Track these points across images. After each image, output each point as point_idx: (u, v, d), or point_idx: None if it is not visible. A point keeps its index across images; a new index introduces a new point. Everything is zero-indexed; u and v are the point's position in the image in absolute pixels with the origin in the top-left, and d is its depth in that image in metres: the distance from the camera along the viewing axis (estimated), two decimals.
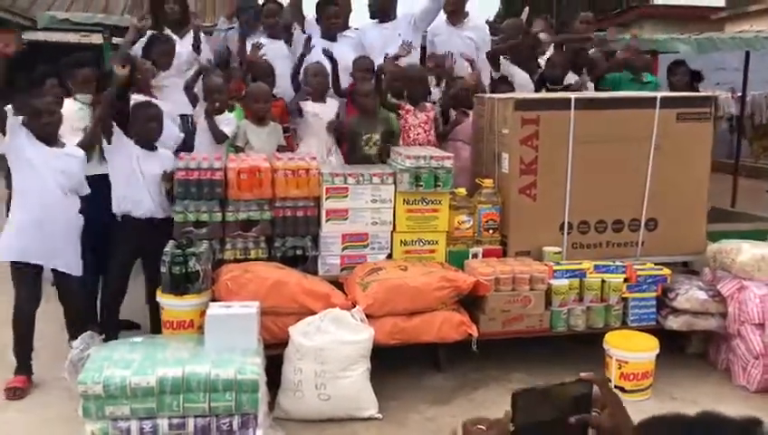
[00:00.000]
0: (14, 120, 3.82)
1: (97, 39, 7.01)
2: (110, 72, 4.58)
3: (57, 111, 4.06)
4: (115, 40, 6.15)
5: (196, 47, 5.32)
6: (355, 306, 3.93)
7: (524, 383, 4.20)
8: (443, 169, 4.36)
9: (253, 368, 3.39)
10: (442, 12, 5.80)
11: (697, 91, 7.41)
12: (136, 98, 4.60)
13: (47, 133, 3.98)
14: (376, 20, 5.81)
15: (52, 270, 4.11)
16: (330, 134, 4.83)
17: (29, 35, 10.14)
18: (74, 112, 4.54)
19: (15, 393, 3.96)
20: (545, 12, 11.79)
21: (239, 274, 3.91)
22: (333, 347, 3.69)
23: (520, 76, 5.63)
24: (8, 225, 4.00)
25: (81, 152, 4.11)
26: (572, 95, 4.58)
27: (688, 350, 4.66)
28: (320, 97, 4.84)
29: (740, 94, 12.39)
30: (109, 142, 4.20)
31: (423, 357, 4.38)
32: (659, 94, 4.61)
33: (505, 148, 4.53)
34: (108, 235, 4.35)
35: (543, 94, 5.11)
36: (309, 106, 4.81)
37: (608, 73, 5.81)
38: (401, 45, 5.28)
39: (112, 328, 4.29)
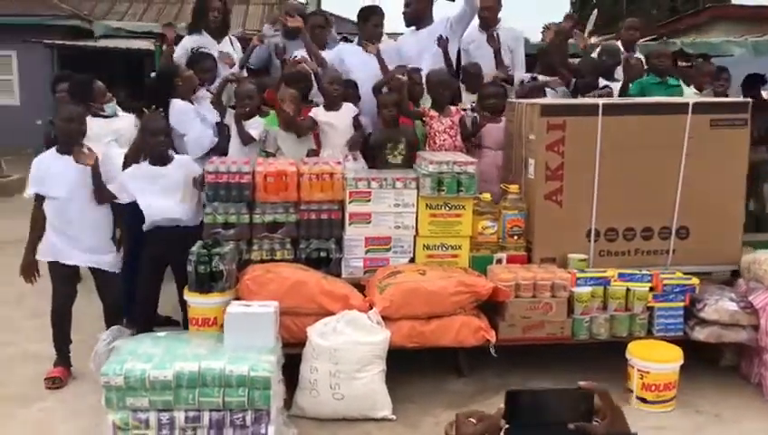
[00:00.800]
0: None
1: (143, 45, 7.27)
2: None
3: (74, 120, 4.21)
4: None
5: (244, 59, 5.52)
6: (372, 308, 4.00)
7: None
8: (465, 174, 4.38)
9: (266, 365, 3.50)
10: (476, 18, 5.82)
11: (760, 96, 7.21)
12: (175, 103, 4.82)
13: (62, 142, 4.20)
14: (412, 27, 5.86)
15: (89, 267, 4.34)
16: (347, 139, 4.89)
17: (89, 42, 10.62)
18: (101, 128, 4.83)
19: (54, 383, 4.21)
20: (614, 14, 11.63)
21: (261, 273, 4.04)
22: (348, 348, 3.77)
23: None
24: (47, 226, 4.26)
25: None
26: (600, 101, 4.52)
27: (721, 363, 4.53)
28: (333, 105, 4.91)
29: None
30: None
31: (445, 362, 4.42)
32: (692, 100, 4.50)
33: (532, 153, 4.51)
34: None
35: (570, 100, 5.05)
36: (321, 115, 4.88)
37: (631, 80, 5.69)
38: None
39: (147, 326, 4.47)
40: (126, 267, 4.54)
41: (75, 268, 4.31)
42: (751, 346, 4.27)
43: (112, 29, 6.61)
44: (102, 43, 9.76)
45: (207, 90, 5.23)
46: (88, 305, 4.57)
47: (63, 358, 4.33)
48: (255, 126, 4.79)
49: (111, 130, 4.93)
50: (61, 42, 13.23)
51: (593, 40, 7.42)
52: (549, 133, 4.38)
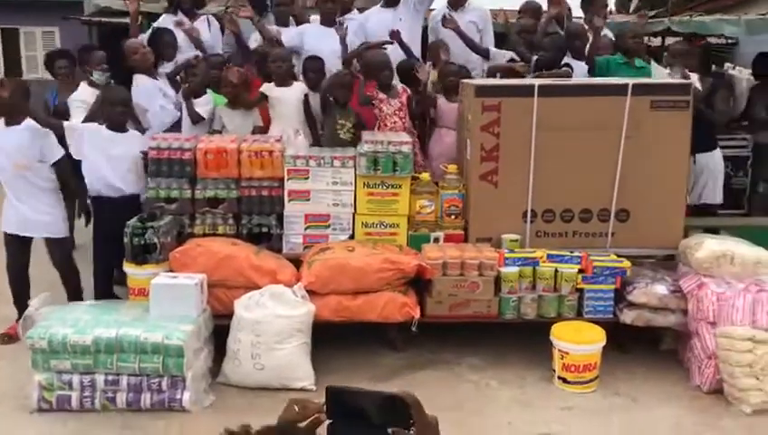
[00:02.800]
0: None
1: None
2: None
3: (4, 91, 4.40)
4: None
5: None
6: (298, 283, 4.13)
7: (475, 367, 4.31)
8: (401, 153, 4.45)
9: (180, 334, 3.68)
10: None
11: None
12: (138, 78, 5.01)
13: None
14: (377, 6, 5.91)
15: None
16: (296, 116, 5.00)
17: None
18: (84, 93, 5.09)
19: (4, 340, 4.53)
20: None
21: (191, 247, 4.21)
22: (269, 320, 3.91)
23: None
24: None
25: (34, 124, 4.43)
26: (537, 81, 4.51)
27: (661, 346, 4.52)
28: (283, 82, 5.01)
29: None
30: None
31: (383, 337, 4.51)
32: (631, 81, 4.44)
33: (469, 134, 4.54)
34: None
35: (505, 81, 5.02)
36: (273, 91, 4.99)
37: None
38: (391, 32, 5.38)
39: (106, 297, 4.69)
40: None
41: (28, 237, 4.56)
42: (683, 331, 4.25)
43: (101, 7, 6.82)
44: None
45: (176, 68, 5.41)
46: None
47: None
48: (204, 104, 4.94)
49: None
50: (97, 18, 13.62)
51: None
52: (484, 114, 4.41)
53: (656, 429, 3.61)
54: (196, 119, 4.90)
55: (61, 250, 4.61)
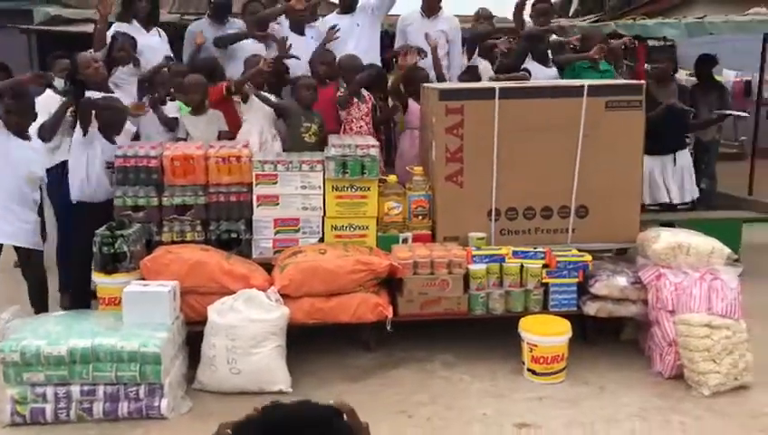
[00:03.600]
0: None
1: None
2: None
3: None
4: None
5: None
6: (271, 287, 4.16)
7: (447, 364, 4.41)
8: (368, 157, 4.54)
9: (156, 341, 3.67)
10: (419, 2, 5.98)
11: (710, 76, 7.36)
12: (91, 94, 4.93)
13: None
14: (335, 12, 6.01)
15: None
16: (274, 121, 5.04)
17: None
18: (50, 98, 5.05)
19: None
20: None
21: (161, 254, 4.20)
22: (243, 325, 3.93)
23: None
24: None
25: None
26: (498, 85, 4.66)
27: (622, 336, 4.71)
28: (262, 88, 5.05)
29: None
30: (84, 134, 4.56)
31: (356, 338, 4.58)
32: (587, 82, 4.64)
33: (434, 136, 4.66)
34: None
35: (468, 84, 5.18)
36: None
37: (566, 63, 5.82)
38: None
39: (83, 300, 4.64)
40: (61, 246, 4.73)
41: None
42: (643, 321, 4.44)
43: (51, 16, 6.71)
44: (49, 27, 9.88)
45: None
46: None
47: None
48: (173, 111, 4.95)
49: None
50: (35, 27, 13.27)
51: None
52: (448, 117, 4.53)
53: (623, 413, 3.76)
54: (171, 125, 4.89)
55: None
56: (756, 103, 10.48)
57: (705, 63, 7.19)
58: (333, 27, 5.56)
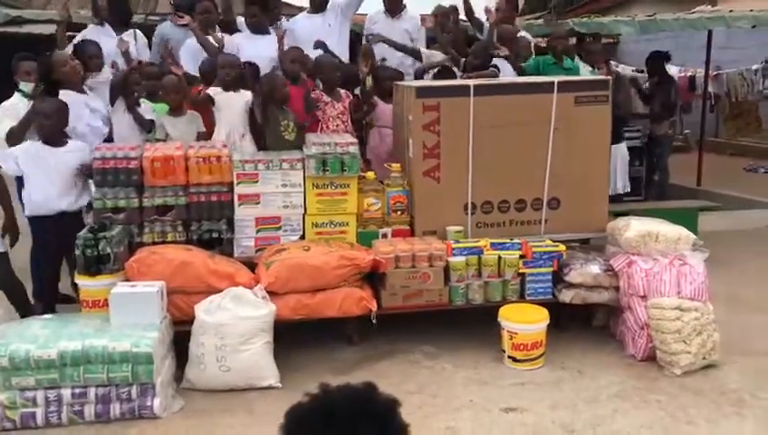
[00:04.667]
0: None
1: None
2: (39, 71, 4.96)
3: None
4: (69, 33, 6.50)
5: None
6: (258, 285, 4.21)
7: (430, 355, 4.52)
8: (348, 154, 4.62)
9: (148, 341, 3.69)
10: (381, 3, 6.08)
11: (665, 71, 7.67)
12: (65, 93, 4.89)
13: None
14: (305, 11, 6.07)
15: None
16: (242, 120, 5.07)
17: None
18: (15, 104, 4.96)
19: None
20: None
21: (146, 255, 4.20)
22: (232, 323, 3.97)
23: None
24: None
25: None
26: (472, 82, 4.80)
27: (594, 322, 4.90)
28: (230, 87, 5.07)
29: (715, 73, 12.58)
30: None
31: (339, 333, 4.66)
32: (557, 79, 4.82)
33: (411, 133, 4.77)
34: None
35: (444, 82, 5.32)
36: (220, 95, 5.05)
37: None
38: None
39: (50, 304, 4.61)
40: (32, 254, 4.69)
41: None
42: (615, 306, 4.64)
43: (11, 17, 6.57)
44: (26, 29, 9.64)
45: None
46: None
47: None
48: (146, 112, 4.92)
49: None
50: None
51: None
52: (425, 114, 4.65)
53: (604, 395, 3.94)
54: (147, 126, 4.87)
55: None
56: (702, 97, 10.92)
57: (657, 59, 7.50)
58: (278, 25, 5.61)
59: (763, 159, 11.73)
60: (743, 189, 8.95)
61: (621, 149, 6.16)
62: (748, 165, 11.50)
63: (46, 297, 4.66)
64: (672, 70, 13.47)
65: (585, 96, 4.76)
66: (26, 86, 5.02)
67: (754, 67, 11.79)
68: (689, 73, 13.30)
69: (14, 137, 4.59)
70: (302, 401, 1.40)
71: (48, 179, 4.46)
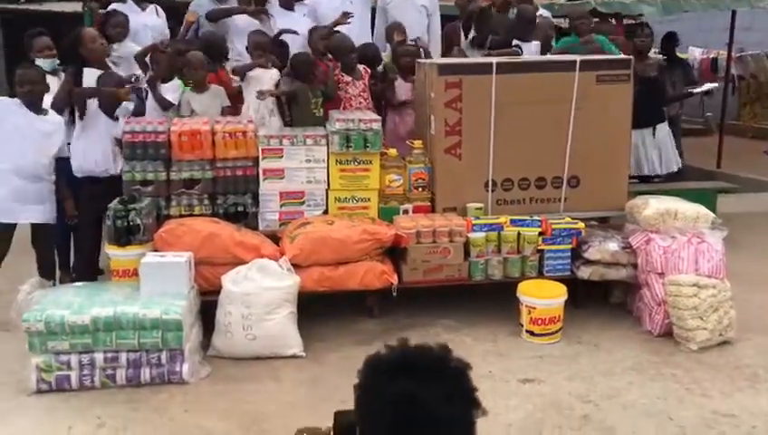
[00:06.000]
0: None
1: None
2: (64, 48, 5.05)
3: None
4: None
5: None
6: (283, 256, 4.32)
7: (449, 328, 4.61)
8: (371, 131, 4.70)
9: (177, 309, 3.82)
10: None
11: (674, 53, 7.65)
12: (90, 72, 4.98)
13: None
14: None
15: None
16: (268, 97, 5.15)
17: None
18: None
19: None
20: None
21: (174, 226, 4.32)
22: (258, 292, 4.09)
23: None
24: None
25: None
26: (495, 60, 4.85)
27: (611, 299, 4.97)
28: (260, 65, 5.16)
29: (739, 55, 12.49)
30: (82, 117, 4.68)
31: (358, 306, 4.76)
32: (579, 58, 4.85)
33: (433, 110, 4.83)
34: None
35: (466, 59, 5.36)
36: (252, 71, 5.14)
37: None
38: (342, 14, 5.58)
39: (90, 275, 4.75)
40: (58, 220, 4.82)
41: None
42: (633, 283, 4.70)
43: None
44: (46, 6, 9.70)
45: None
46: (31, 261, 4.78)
47: None
48: (173, 90, 5.01)
49: None
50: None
51: None
52: (447, 91, 4.71)
53: (619, 368, 4.02)
54: (166, 105, 4.96)
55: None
56: (725, 79, 10.84)
57: (669, 41, 7.48)
58: (347, 14, 5.63)
59: None
60: (761, 172, 8.93)
61: (664, 129, 6.27)
62: (767, 148, 11.44)
63: (84, 268, 4.79)
64: (696, 52, 13.46)
65: (607, 75, 4.79)
66: (44, 62, 5.06)
67: None
68: (711, 55, 13.24)
69: (58, 103, 4.71)
70: (380, 351, 1.47)
71: (92, 145, 4.66)
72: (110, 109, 4.74)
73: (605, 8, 7.50)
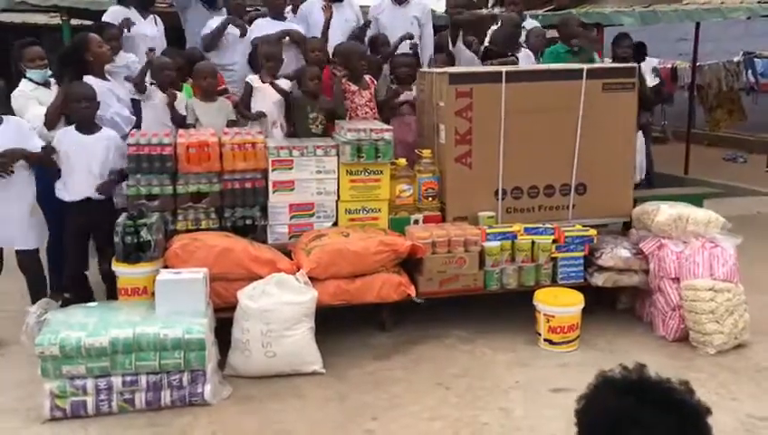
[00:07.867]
0: None
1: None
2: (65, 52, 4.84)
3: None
4: (74, 21, 6.36)
5: None
6: (299, 270, 4.20)
7: (464, 339, 4.57)
8: (382, 140, 4.63)
9: (199, 328, 3.67)
10: None
11: (640, 62, 7.81)
12: (89, 80, 4.78)
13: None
14: None
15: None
16: (275, 109, 5.04)
17: None
18: (29, 91, 4.79)
19: None
20: None
21: (188, 242, 4.16)
22: (277, 308, 3.96)
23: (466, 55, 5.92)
24: None
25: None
26: (504, 68, 4.84)
27: (618, 305, 5.00)
28: (271, 75, 5.04)
29: (698, 64, 12.87)
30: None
31: (371, 319, 4.67)
32: (586, 66, 4.89)
33: (442, 119, 4.80)
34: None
35: (477, 68, 5.36)
36: (257, 82, 5.02)
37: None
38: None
39: (83, 296, 4.52)
40: (52, 247, 4.61)
41: None
42: (642, 289, 4.74)
43: (15, 2, 6.41)
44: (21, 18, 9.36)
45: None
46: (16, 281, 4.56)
47: None
48: (180, 101, 4.86)
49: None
50: None
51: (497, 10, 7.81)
52: (457, 100, 4.68)
53: None
54: (182, 122, 4.81)
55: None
56: (690, 88, 11.16)
57: (638, 51, 7.63)
58: (329, 6, 5.58)
59: (738, 149, 12.08)
60: (727, 178, 9.19)
61: (640, 138, 6.33)
62: (727, 154, 11.82)
63: (74, 290, 4.57)
64: (653, 62, 13.84)
65: (613, 83, 4.84)
66: (35, 73, 4.84)
67: (736, 59, 12.08)
68: (668, 65, 13.60)
69: (51, 121, 4.50)
70: (614, 370, 1.42)
71: (78, 167, 4.39)
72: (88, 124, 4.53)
73: (586, 18, 7.62)
